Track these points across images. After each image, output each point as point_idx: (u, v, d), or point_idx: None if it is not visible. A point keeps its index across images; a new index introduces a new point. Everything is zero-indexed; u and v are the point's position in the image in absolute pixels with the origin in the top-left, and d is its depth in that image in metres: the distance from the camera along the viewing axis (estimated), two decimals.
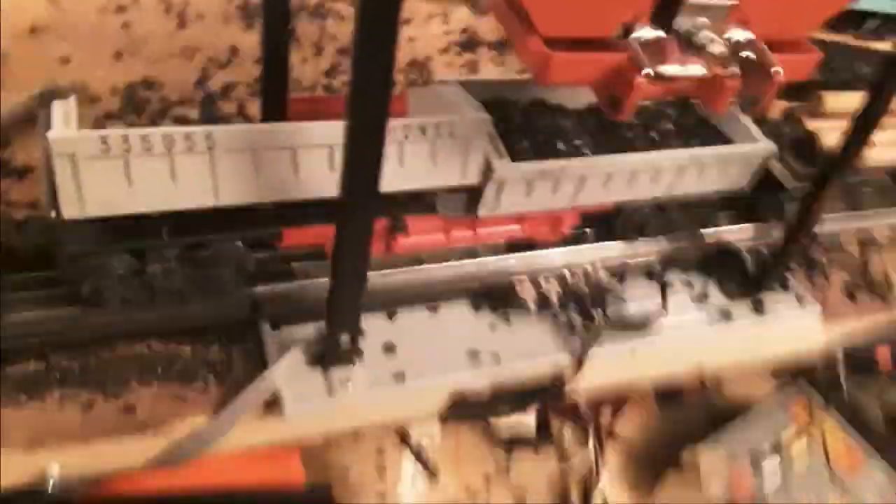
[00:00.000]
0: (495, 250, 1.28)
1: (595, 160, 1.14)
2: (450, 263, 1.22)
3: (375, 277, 1.16)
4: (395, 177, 1.02)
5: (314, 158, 0.96)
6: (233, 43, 1.77)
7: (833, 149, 1.25)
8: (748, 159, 1.27)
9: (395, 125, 0.97)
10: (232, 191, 0.94)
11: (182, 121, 1.50)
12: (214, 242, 1.00)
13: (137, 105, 1.50)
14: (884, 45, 2.52)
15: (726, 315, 1.34)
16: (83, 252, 0.92)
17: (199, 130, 0.87)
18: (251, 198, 0.97)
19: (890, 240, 1.61)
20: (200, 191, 0.92)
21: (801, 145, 1.42)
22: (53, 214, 0.85)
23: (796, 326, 1.40)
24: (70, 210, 0.85)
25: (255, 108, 1.56)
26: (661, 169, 1.20)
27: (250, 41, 1.80)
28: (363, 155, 0.79)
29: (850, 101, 1.45)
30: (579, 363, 1.20)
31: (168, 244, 0.97)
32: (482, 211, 1.12)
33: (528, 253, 1.28)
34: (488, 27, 2.09)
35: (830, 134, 1.40)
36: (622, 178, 1.18)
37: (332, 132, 0.92)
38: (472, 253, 1.25)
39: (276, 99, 1.22)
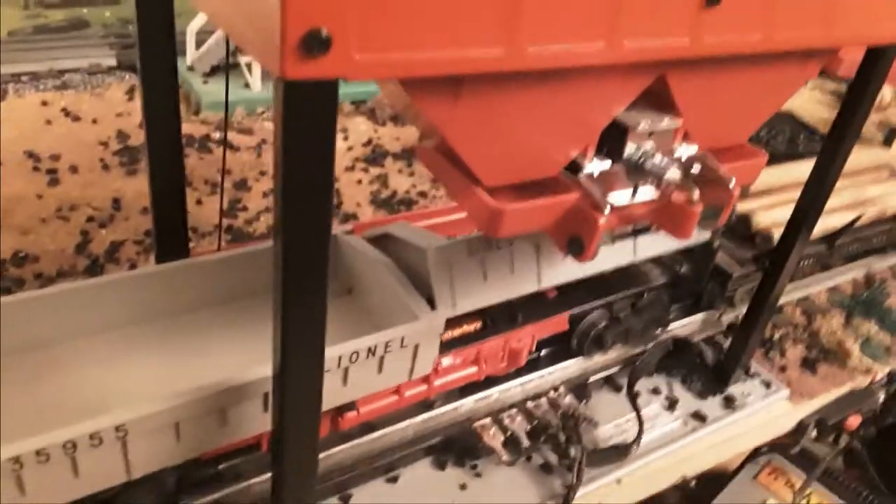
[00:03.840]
0: (449, 394, 1.15)
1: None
2: (405, 423, 1.08)
3: (321, 459, 1.00)
4: (336, 396, 0.90)
5: (247, 407, 0.83)
6: (115, 194, 1.60)
7: (775, 228, 1.22)
8: None
9: (341, 352, 0.85)
10: (148, 464, 0.79)
11: None
12: None
13: (8, 289, 1.29)
14: None
15: (700, 418, 1.27)
16: None
17: (107, 425, 0.73)
18: (171, 462, 0.81)
19: (831, 303, 1.60)
20: (109, 475, 0.77)
21: (735, 228, 1.39)
22: None
23: (769, 414, 1.34)
24: None
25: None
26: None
27: (134, 188, 1.63)
28: (300, 370, 0.66)
29: (775, 176, 1.45)
30: None
31: None
32: (441, 311, 0.98)
33: (487, 391, 1.16)
34: (391, 136, 2.01)
35: (761, 213, 1.38)
36: None
37: (267, 382, 0.78)
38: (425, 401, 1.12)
39: (175, 254, 1.07)
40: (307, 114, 0.53)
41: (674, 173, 0.78)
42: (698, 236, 1.27)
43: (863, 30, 0.86)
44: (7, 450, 0.69)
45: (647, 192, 0.82)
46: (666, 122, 0.79)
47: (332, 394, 0.89)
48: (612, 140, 0.78)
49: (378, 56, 0.53)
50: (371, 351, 0.88)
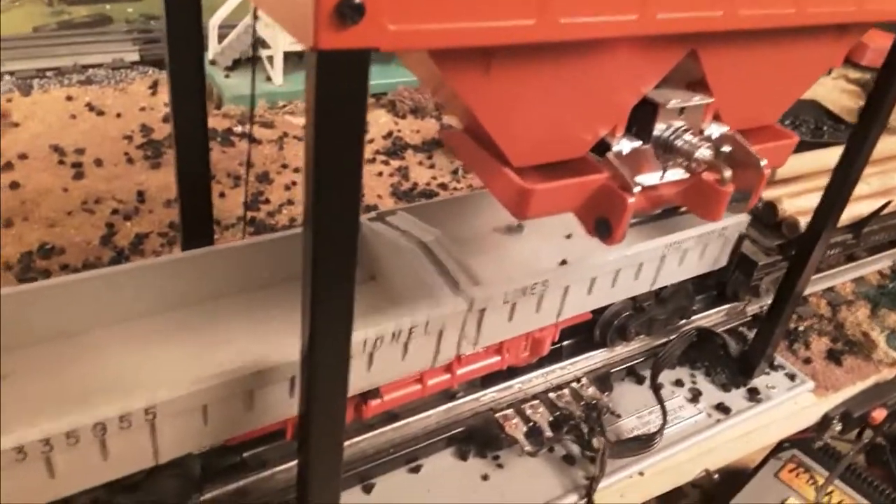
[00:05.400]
0: (471, 384, 1.14)
1: (576, 266, 1.03)
2: (427, 413, 1.08)
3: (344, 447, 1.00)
4: (361, 381, 0.90)
5: (273, 392, 0.83)
6: (139, 187, 1.61)
7: (801, 216, 1.21)
8: (727, 235, 1.20)
9: (366, 336, 0.85)
10: (175, 448, 0.80)
11: None
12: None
13: (35, 280, 1.31)
14: None
15: (724, 410, 1.25)
16: None
17: (137, 407, 0.73)
18: (198, 446, 0.82)
19: (856, 295, 1.58)
20: (137, 458, 0.78)
21: (761, 215, 1.38)
22: None
23: (793, 407, 1.32)
24: None
25: None
26: (643, 262, 1.11)
27: (158, 181, 1.65)
28: (328, 359, 0.66)
29: (803, 163, 1.44)
30: (590, 501, 1.06)
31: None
32: (464, 349, 0.99)
33: (508, 382, 1.15)
34: (411, 129, 2.01)
35: (787, 201, 1.36)
36: (605, 280, 1.09)
37: (294, 366, 0.79)
38: (448, 392, 1.11)
39: (200, 245, 1.08)
40: (340, 86, 0.53)
41: (704, 152, 0.77)
42: (719, 260, 1.26)
43: None
44: (37, 431, 0.69)
45: (677, 173, 0.81)
46: (697, 100, 0.78)
47: (357, 379, 0.89)
48: (641, 119, 0.77)
49: (411, 26, 0.52)
50: (395, 336, 0.88)
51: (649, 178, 0.80)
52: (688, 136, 0.78)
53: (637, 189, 0.74)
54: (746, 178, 0.82)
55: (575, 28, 0.60)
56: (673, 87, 0.78)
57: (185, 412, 0.77)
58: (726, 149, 0.82)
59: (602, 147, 0.77)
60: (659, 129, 0.78)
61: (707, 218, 0.81)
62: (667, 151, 0.79)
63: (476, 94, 0.64)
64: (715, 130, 0.83)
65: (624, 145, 0.77)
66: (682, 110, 0.78)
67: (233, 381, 0.78)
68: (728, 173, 0.77)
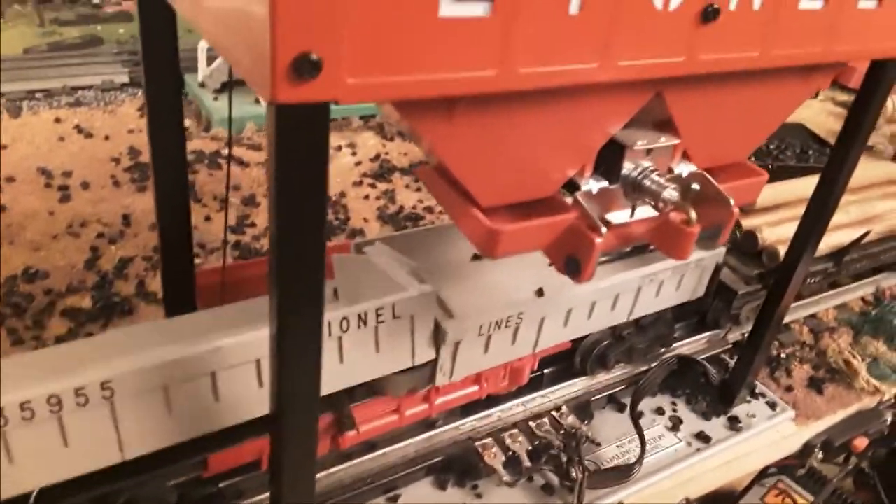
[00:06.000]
0: (450, 413, 1.14)
1: (552, 299, 1.04)
2: (405, 442, 1.08)
3: (321, 478, 1.00)
4: (335, 376, 0.89)
5: (239, 377, 0.81)
6: (125, 210, 1.62)
7: (781, 245, 1.21)
8: (703, 266, 1.21)
9: (330, 318, 0.84)
10: (142, 440, 0.79)
11: (73, 313, 1.32)
12: (125, 491, 0.82)
13: (18, 305, 1.31)
14: None
15: (704, 439, 1.25)
16: None
17: (91, 381, 0.72)
18: (166, 441, 0.81)
19: (838, 322, 1.58)
20: (101, 449, 0.76)
21: (741, 244, 1.38)
22: None
23: (774, 435, 1.32)
24: None
25: (156, 283, 1.40)
26: (619, 293, 1.12)
27: (144, 204, 1.65)
28: (297, 356, 0.65)
29: (782, 192, 1.45)
30: None
31: None
32: (439, 381, 1.00)
33: (488, 411, 1.15)
34: (399, 151, 2.02)
35: (767, 230, 1.37)
36: (582, 311, 1.09)
37: (258, 345, 0.78)
38: (426, 421, 1.12)
39: (180, 270, 1.08)
40: (299, 136, 0.54)
41: (671, 193, 0.77)
42: (696, 291, 1.27)
43: (865, 45, 0.85)
44: None
45: (646, 211, 0.82)
46: (664, 140, 0.79)
47: (331, 374, 0.87)
48: (609, 159, 0.78)
49: (370, 79, 0.53)
50: (362, 319, 0.86)
51: (618, 216, 0.81)
52: (655, 177, 0.78)
53: (604, 229, 0.75)
54: (716, 216, 0.83)
55: (536, 77, 0.61)
56: (640, 128, 0.79)
57: (144, 392, 0.75)
58: (696, 186, 0.83)
59: (572, 185, 0.78)
60: (627, 168, 0.79)
61: (674, 257, 0.81)
62: (635, 191, 0.80)
63: (441, 139, 0.65)
64: (684, 169, 0.84)
65: (592, 185, 0.78)
66: (649, 151, 0.79)
67: (192, 359, 0.76)
68: (694, 215, 0.78)
